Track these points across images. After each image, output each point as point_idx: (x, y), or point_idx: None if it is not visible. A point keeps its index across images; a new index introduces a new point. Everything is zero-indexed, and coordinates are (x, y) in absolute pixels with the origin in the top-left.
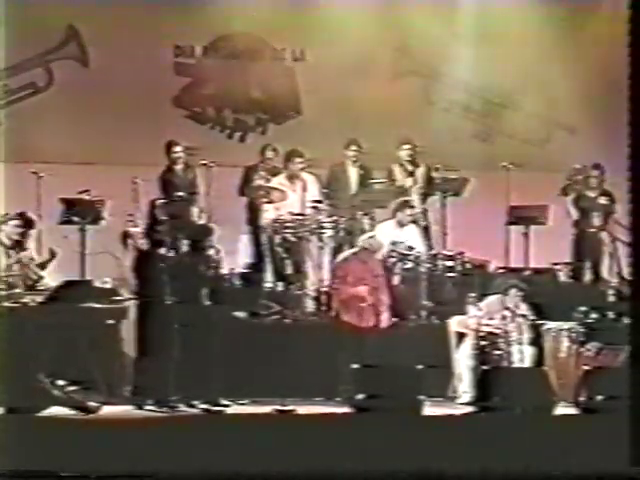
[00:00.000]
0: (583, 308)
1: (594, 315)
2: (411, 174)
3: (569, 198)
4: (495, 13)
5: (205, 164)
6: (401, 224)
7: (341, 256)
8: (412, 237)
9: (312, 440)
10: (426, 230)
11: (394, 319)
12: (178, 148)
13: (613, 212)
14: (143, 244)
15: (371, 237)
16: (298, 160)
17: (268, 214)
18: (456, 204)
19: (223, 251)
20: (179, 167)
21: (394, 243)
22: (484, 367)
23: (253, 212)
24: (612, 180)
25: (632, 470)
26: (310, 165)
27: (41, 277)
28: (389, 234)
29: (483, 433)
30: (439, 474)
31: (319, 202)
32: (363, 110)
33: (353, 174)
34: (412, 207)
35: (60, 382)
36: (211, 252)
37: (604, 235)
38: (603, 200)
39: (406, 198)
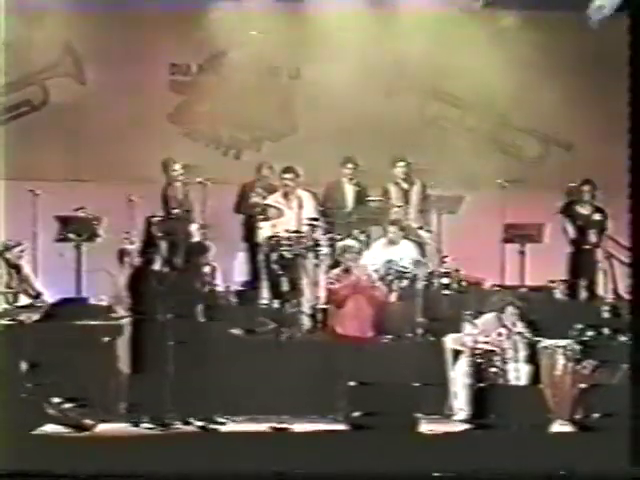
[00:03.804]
0: (579, 326)
1: (590, 333)
2: (406, 192)
3: (566, 216)
4: (489, 29)
5: (201, 181)
6: (392, 242)
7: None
8: (407, 254)
9: (308, 458)
10: (421, 247)
11: (390, 336)
12: (177, 166)
13: (606, 228)
14: (139, 261)
15: (348, 246)
16: (288, 176)
17: (264, 231)
18: (452, 221)
19: (219, 268)
20: (178, 184)
21: (390, 261)
22: (480, 385)
23: (249, 229)
24: (608, 197)
25: (632, 470)
26: (305, 182)
27: (40, 293)
28: (381, 252)
29: (479, 450)
30: None
31: (315, 219)
32: (359, 127)
33: (349, 191)
34: (401, 225)
35: (56, 400)
36: (207, 269)
37: (599, 252)
38: (597, 216)
39: (396, 216)
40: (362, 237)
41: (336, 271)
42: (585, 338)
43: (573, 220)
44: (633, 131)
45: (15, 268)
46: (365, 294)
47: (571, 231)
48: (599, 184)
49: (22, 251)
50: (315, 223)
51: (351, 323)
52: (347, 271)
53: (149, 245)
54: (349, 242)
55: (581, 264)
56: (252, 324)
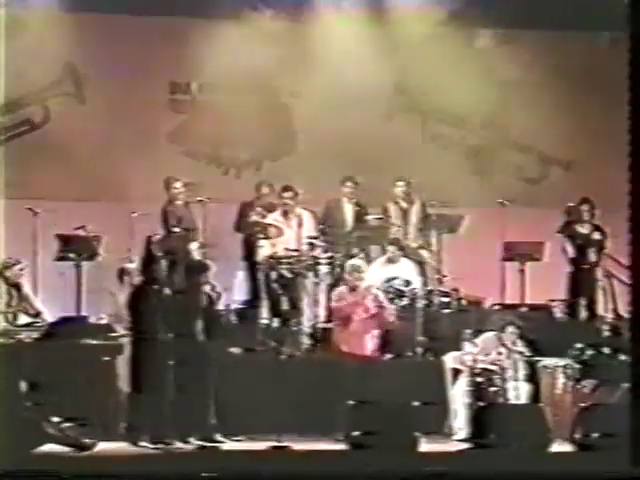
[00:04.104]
0: (579, 345)
1: (590, 352)
2: (405, 211)
3: (566, 235)
4: (485, 50)
5: (201, 200)
6: (391, 261)
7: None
8: (407, 273)
9: (308, 477)
10: (421, 266)
11: (390, 355)
12: (178, 184)
13: (605, 247)
14: (139, 280)
15: (357, 265)
16: (287, 194)
17: (264, 250)
18: (452, 240)
19: (219, 287)
20: (179, 203)
21: (390, 279)
22: (480, 404)
23: (249, 248)
24: (608, 215)
25: (632, 470)
26: (305, 201)
27: (40, 312)
28: (380, 271)
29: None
30: None
31: (315, 238)
32: (359, 146)
33: (349, 210)
34: (400, 244)
35: (55, 419)
36: (207, 288)
37: (599, 271)
38: (597, 235)
39: (395, 235)
40: (362, 256)
41: (342, 289)
42: (585, 357)
43: (573, 239)
44: (633, 144)
45: (15, 287)
46: (371, 313)
47: (570, 250)
48: (598, 203)
49: (22, 270)
50: (315, 242)
51: (357, 341)
52: (354, 290)
53: (150, 264)
54: (357, 261)
55: (581, 283)
56: (252, 343)
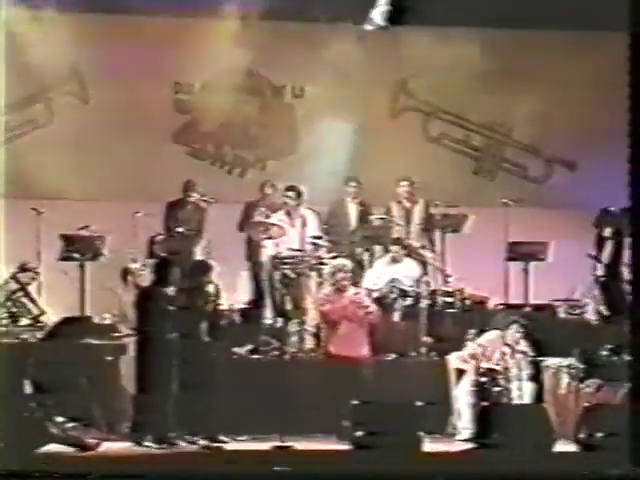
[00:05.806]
0: (583, 344)
1: (594, 352)
2: (408, 210)
3: (607, 239)
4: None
5: (205, 200)
6: (395, 260)
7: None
8: (411, 272)
9: (311, 477)
10: (425, 266)
11: (393, 355)
12: (195, 193)
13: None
14: (142, 280)
15: (342, 265)
16: (291, 194)
17: (268, 250)
18: (456, 240)
19: (222, 287)
20: (189, 206)
21: (393, 279)
22: (483, 403)
23: (253, 248)
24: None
25: (632, 470)
26: (309, 201)
27: (43, 311)
28: (384, 270)
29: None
30: None
31: (319, 238)
32: (362, 146)
33: (352, 210)
34: (403, 244)
35: (59, 419)
36: (210, 288)
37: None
38: (618, 238)
39: (398, 235)
40: (366, 255)
41: (327, 292)
42: (589, 357)
43: (608, 242)
44: (632, 147)
45: (22, 290)
46: (356, 316)
47: (608, 253)
48: (602, 204)
49: (34, 278)
50: (318, 242)
51: (344, 343)
52: (340, 290)
53: (157, 264)
54: (342, 261)
55: (608, 285)
56: (256, 343)
